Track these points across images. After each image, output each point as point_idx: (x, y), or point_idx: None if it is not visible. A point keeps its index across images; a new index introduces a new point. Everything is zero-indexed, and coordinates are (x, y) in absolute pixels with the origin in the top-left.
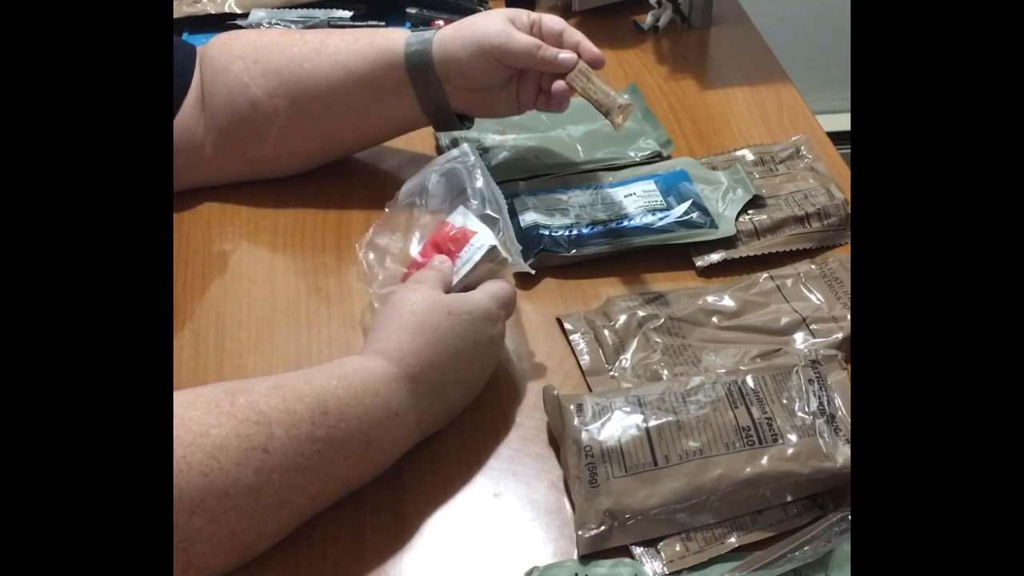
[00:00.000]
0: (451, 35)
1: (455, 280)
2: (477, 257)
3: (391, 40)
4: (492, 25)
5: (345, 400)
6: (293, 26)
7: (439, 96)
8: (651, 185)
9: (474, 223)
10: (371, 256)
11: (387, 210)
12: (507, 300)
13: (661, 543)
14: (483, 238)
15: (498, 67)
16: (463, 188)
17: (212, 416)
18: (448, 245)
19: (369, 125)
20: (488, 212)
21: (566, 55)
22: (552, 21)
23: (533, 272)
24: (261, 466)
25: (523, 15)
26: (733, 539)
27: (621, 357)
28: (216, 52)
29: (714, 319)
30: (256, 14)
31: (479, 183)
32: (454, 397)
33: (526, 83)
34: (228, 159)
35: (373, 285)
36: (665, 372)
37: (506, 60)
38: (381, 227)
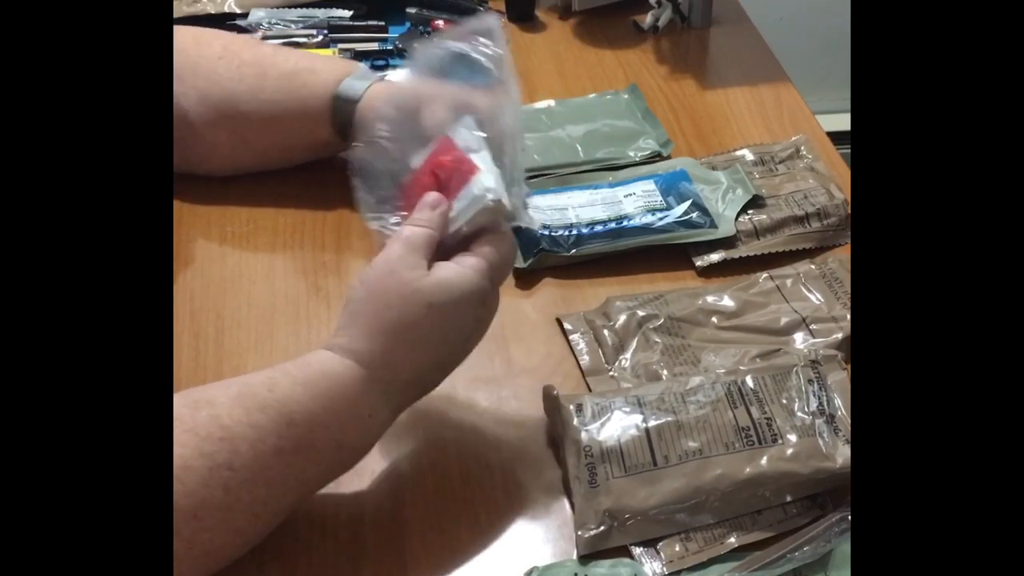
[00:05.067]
0: (371, 100)
1: (450, 229)
2: (474, 209)
3: (320, 95)
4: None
5: (312, 409)
6: (293, 26)
7: None
8: (651, 185)
9: (478, 151)
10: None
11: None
12: (501, 265)
13: (661, 543)
14: (485, 182)
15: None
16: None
17: (175, 434)
18: (446, 175)
19: (312, 156)
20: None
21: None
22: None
23: (536, 228)
24: (228, 484)
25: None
26: (733, 539)
27: (621, 357)
28: None
29: (714, 319)
30: (256, 14)
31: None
32: (433, 379)
33: None
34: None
35: (367, 211)
36: (665, 372)
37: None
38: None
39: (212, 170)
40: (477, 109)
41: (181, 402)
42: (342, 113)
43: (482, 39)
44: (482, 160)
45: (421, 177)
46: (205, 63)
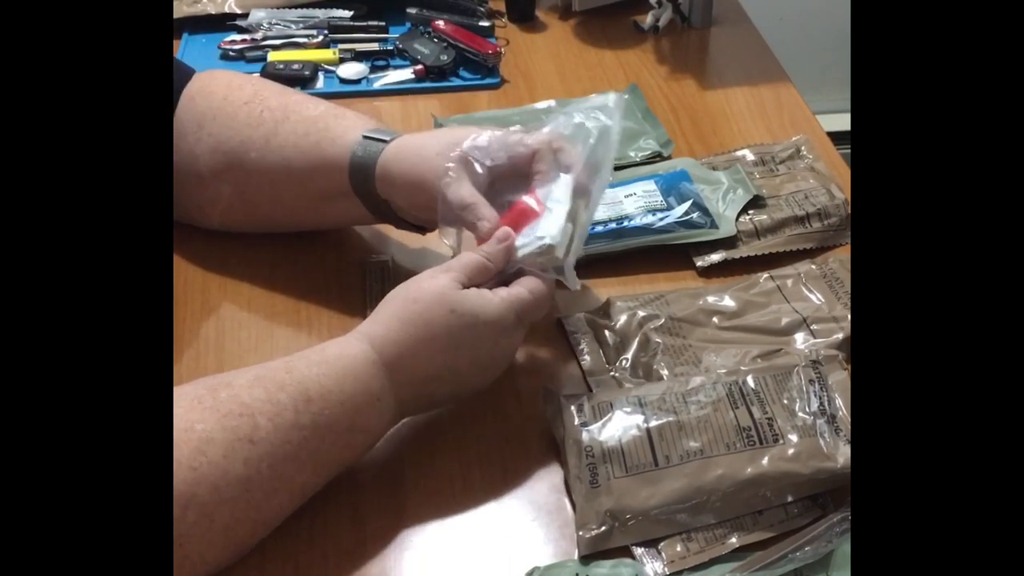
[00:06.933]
0: (395, 155)
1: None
2: (528, 249)
3: (339, 144)
4: (437, 165)
5: (327, 386)
6: (293, 26)
7: (385, 208)
8: (651, 185)
9: (558, 204)
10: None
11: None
12: (533, 305)
13: (662, 543)
14: (547, 227)
15: (434, 207)
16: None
17: (195, 412)
18: (523, 216)
19: (317, 219)
20: (589, 187)
21: (486, 227)
22: (534, 147)
23: (578, 288)
24: (249, 456)
25: (485, 146)
26: (734, 539)
27: (622, 357)
28: (185, 107)
29: (714, 319)
30: (256, 14)
31: (595, 154)
32: (439, 390)
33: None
34: (177, 214)
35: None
36: (666, 372)
37: (440, 206)
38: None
39: (209, 224)
40: (574, 168)
41: (200, 387)
42: (365, 155)
43: (599, 112)
44: (557, 212)
45: (504, 216)
46: (228, 108)
